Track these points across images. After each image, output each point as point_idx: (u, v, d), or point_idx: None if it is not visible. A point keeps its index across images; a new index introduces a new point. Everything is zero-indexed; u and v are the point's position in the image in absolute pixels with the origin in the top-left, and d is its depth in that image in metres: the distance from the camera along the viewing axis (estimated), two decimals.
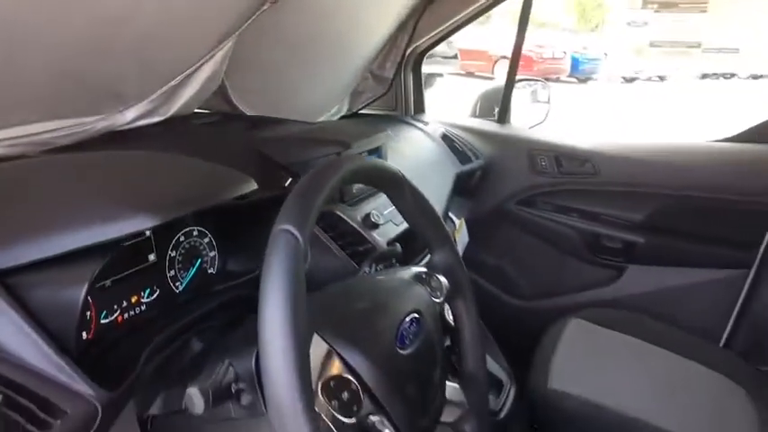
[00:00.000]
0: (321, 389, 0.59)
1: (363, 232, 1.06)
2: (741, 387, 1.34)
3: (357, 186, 1.17)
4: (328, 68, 1.70)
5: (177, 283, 0.89)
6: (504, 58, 13.13)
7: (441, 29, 1.86)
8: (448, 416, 0.78)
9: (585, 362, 1.44)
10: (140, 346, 0.73)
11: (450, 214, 1.71)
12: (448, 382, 0.80)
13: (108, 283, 0.76)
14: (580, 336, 1.53)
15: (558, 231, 1.91)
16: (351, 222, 1.06)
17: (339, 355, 0.63)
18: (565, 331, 1.53)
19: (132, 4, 0.94)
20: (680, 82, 13.82)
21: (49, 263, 0.63)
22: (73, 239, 0.64)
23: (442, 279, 0.82)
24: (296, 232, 0.55)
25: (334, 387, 0.60)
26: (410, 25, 1.82)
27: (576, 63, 14.35)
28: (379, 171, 0.75)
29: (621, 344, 1.50)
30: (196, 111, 1.32)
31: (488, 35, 11.95)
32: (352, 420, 0.59)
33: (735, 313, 1.73)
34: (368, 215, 1.12)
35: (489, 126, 2.05)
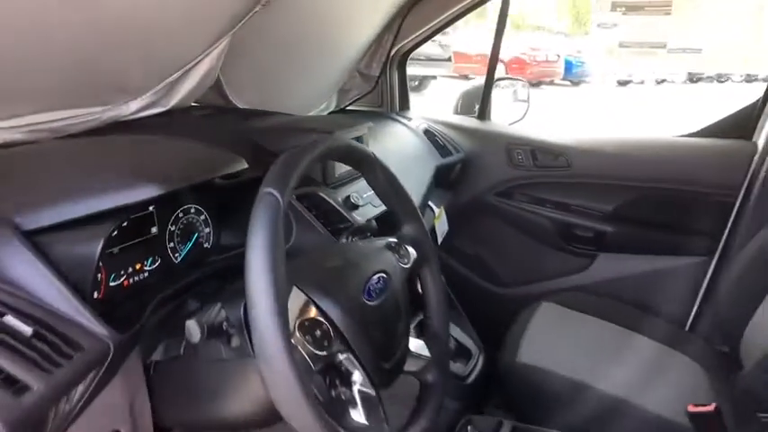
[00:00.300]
0: (297, 327, 0.70)
1: (344, 212, 1.17)
2: (698, 364, 1.44)
3: (339, 171, 1.28)
4: (317, 67, 1.79)
5: (176, 255, 1.00)
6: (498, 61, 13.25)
7: (423, 30, 1.96)
8: (412, 366, 0.90)
9: (554, 340, 1.54)
10: (145, 303, 0.84)
11: (431, 203, 1.81)
12: (414, 339, 0.92)
13: (116, 250, 0.87)
14: (551, 317, 1.64)
15: (534, 221, 2.01)
16: (332, 203, 1.17)
17: (314, 303, 0.74)
18: (537, 313, 1.64)
19: (136, 5, 1.05)
20: (674, 85, 13.93)
21: (70, 225, 0.74)
22: (89, 205, 0.76)
23: (410, 249, 0.94)
24: (277, 194, 0.66)
25: (309, 326, 0.71)
26: (395, 26, 1.90)
27: (569, 66, 14.41)
28: (352, 151, 0.86)
29: (589, 325, 1.60)
30: (193, 104, 1.41)
31: (484, 38, 12.07)
32: (324, 353, 0.71)
33: (699, 298, 1.84)
34: (348, 197, 1.23)
35: (470, 122, 2.15)
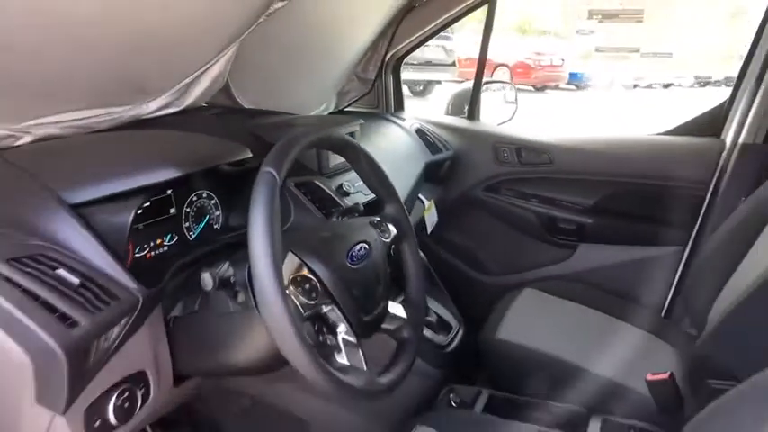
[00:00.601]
0: (291, 282, 0.86)
1: (337, 198, 1.33)
2: (669, 344, 1.56)
3: (333, 162, 1.44)
4: (317, 71, 1.94)
5: (191, 233, 1.15)
6: (503, 65, 13.31)
7: (415, 37, 2.11)
8: (390, 324, 1.05)
9: (533, 320, 1.68)
10: (165, 269, 1.00)
11: (421, 196, 1.96)
12: (393, 303, 1.07)
13: (141, 226, 1.03)
14: (531, 301, 1.77)
15: (519, 215, 2.16)
16: (327, 190, 1.33)
17: (306, 264, 0.90)
18: (519, 297, 1.78)
19: (156, 18, 1.20)
20: (681, 89, 13.98)
21: (105, 201, 0.90)
22: (120, 184, 0.92)
23: (391, 226, 1.09)
24: (274, 172, 0.82)
25: (300, 281, 0.87)
26: (389, 34, 2.06)
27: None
28: (339, 140, 1.02)
29: (567, 308, 1.73)
30: (204, 104, 1.55)
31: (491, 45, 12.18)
32: (312, 302, 0.87)
33: (673, 285, 1.98)
34: (341, 185, 1.40)
35: (459, 122, 2.30)
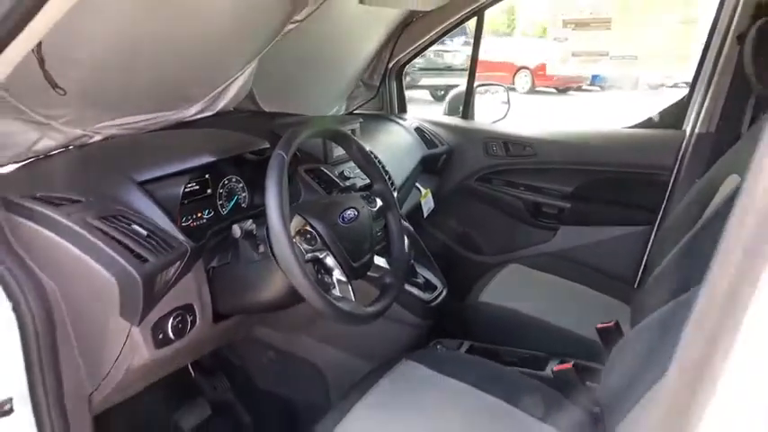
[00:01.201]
0: (296, 233, 1.18)
1: (339, 181, 1.64)
2: (627, 305, 1.83)
3: (337, 154, 1.75)
4: (328, 79, 2.25)
5: (223, 209, 1.46)
6: (524, 68, 13.48)
7: (414, 47, 2.42)
8: (375, 272, 1.36)
9: (512, 287, 1.95)
10: (205, 233, 1.32)
11: (418, 185, 2.26)
12: (379, 257, 1.37)
13: (186, 202, 1.35)
14: (515, 273, 2.05)
15: (508, 201, 2.45)
16: (331, 175, 1.64)
17: (308, 221, 1.21)
18: (503, 270, 2.07)
19: (191, 42, 1.51)
20: None
21: (163, 179, 1.23)
22: (173, 167, 1.25)
23: (378, 200, 1.40)
24: (283, 153, 1.14)
25: (303, 232, 1.19)
26: (391, 45, 2.37)
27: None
28: (335, 131, 1.34)
29: (545, 279, 2.01)
30: (233, 109, 1.86)
31: (510, 47, 12.54)
32: (311, 248, 1.18)
33: (644, 260, 2.24)
34: (342, 171, 1.70)
35: (454, 121, 2.60)
